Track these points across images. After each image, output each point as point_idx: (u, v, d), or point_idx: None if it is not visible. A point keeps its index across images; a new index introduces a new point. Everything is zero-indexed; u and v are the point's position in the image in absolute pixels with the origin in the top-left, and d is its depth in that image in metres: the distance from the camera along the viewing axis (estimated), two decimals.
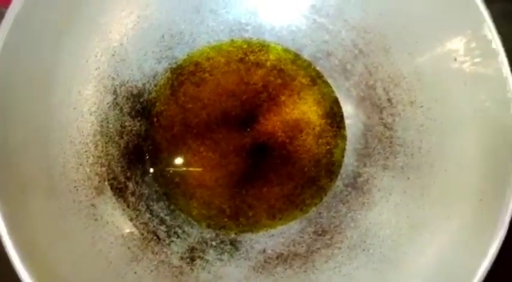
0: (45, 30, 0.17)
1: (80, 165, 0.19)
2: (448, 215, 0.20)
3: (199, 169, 0.23)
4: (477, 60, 0.19)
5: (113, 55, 0.20)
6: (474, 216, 0.19)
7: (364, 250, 0.21)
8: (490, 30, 0.18)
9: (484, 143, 0.19)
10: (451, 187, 0.20)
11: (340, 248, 0.21)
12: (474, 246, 0.18)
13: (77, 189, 0.19)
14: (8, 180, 0.16)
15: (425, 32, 0.20)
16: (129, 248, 0.19)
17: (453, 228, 0.19)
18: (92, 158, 0.20)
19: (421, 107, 0.22)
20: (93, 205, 0.19)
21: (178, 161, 0.23)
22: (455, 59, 0.20)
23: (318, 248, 0.21)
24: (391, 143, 0.23)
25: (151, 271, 0.20)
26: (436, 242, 0.19)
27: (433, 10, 0.20)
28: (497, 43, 0.18)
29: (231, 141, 0.23)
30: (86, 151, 0.19)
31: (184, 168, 0.22)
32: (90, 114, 0.20)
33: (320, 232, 0.22)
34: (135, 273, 0.19)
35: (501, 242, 0.17)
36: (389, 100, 0.23)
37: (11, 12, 0.16)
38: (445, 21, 0.19)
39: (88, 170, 0.19)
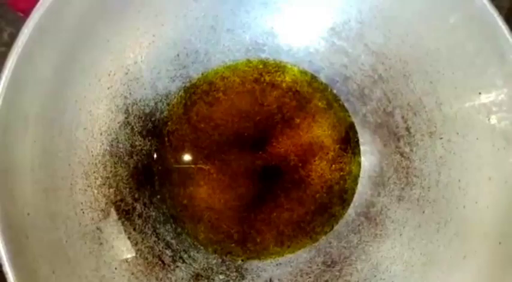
0: (58, 50, 0.17)
1: (88, 186, 0.19)
2: (464, 254, 0.19)
3: (209, 191, 0.22)
4: (502, 97, 0.18)
5: (126, 73, 0.20)
6: (492, 259, 0.18)
7: None
8: None
9: (505, 182, 0.18)
10: (469, 226, 0.19)
11: (349, 281, 0.20)
12: None
13: (83, 212, 0.18)
14: (11, 204, 0.16)
15: (449, 62, 0.20)
16: (133, 273, 0.19)
17: (469, 269, 0.18)
18: (100, 179, 0.19)
19: (441, 138, 0.21)
20: (98, 228, 0.19)
21: (188, 182, 0.22)
22: (480, 93, 0.19)
23: (326, 280, 0.21)
24: (407, 173, 0.22)
25: None
26: (449, 280, 0.19)
27: (458, 42, 0.19)
28: None
29: (242, 163, 0.23)
30: (94, 172, 0.19)
31: (193, 190, 0.22)
32: (101, 134, 0.19)
33: (329, 263, 0.21)
34: None
35: None
36: (407, 129, 0.22)
37: (26, 30, 0.16)
38: (471, 55, 0.18)
39: (96, 191, 0.19)
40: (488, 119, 0.19)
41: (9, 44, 0.16)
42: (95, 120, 0.19)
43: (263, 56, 0.23)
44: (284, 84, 0.23)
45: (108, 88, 0.19)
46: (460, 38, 0.19)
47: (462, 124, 0.20)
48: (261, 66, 0.23)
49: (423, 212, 0.21)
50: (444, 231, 0.20)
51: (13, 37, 0.16)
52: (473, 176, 0.20)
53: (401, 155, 0.22)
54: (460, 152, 0.20)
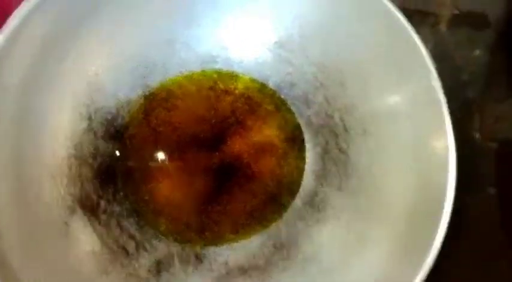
0: (22, 68, 0.18)
1: (54, 186, 0.20)
2: (388, 234, 0.22)
3: (169, 187, 0.24)
4: (421, 103, 0.22)
5: (88, 84, 0.22)
6: (410, 237, 0.21)
7: (316, 262, 0.23)
8: (435, 81, 0.20)
9: (422, 171, 0.22)
10: (393, 209, 0.22)
11: (295, 261, 0.23)
12: (409, 259, 0.20)
13: (50, 209, 0.20)
14: None
15: (374, 71, 0.23)
16: (99, 261, 0.21)
17: (392, 246, 0.22)
18: (66, 179, 0.21)
19: (371, 136, 0.24)
20: (66, 223, 0.20)
21: (149, 179, 0.24)
22: (399, 93, 0.23)
23: (276, 260, 0.23)
24: (345, 166, 0.25)
25: None
26: (378, 255, 0.22)
27: (380, 51, 0.22)
28: (439, 93, 0.20)
29: (200, 161, 0.25)
30: (60, 173, 0.21)
31: (154, 186, 0.24)
32: (65, 139, 0.21)
33: (278, 246, 0.24)
34: None
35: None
36: (344, 128, 0.25)
37: None
38: (394, 66, 0.22)
39: (62, 190, 0.21)
40: (409, 118, 0.22)
41: None
42: (60, 127, 0.21)
43: (217, 67, 0.25)
44: (237, 91, 0.26)
45: (71, 97, 0.21)
46: (382, 49, 0.22)
47: (387, 123, 0.23)
48: (215, 76, 0.26)
49: (358, 199, 0.24)
50: (373, 215, 0.23)
51: None
52: (397, 167, 0.23)
53: (340, 150, 0.25)
54: (386, 146, 0.24)
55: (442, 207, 0.20)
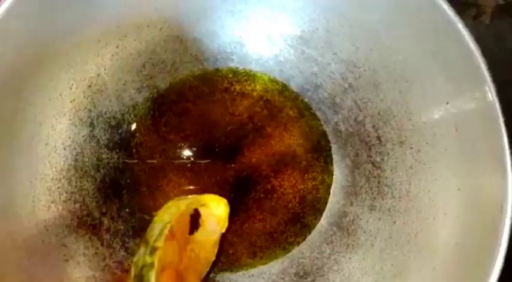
0: (13, 66, 0.16)
1: (52, 203, 0.18)
2: (434, 266, 0.19)
3: None
4: (470, 107, 0.18)
5: (90, 86, 0.19)
6: (461, 270, 0.18)
7: None
8: (492, 94, 0.17)
9: (473, 193, 0.18)
10: (439, 236, 0.19)
11: None
12: None
13: (46, 229, 0.18)
14: None
15: (417, 72, 0.20)
16: None
17: (439, 281, 0.18)
18: (65, 194, 0.19)
19: (411, 148, 0.21)
20: (63, 245, 0.18)
21: (158, 194, 0.22)
22: (447, 103, 0.19)
23: None
24: (379, 183, 0.22)
25: None
26: None
27: (427, 51, 0.19)
28: (496, 109, 0.17)
29: (214, 174, 0.23)
30: (58, 188, 0.19)
31: (163, 202, 0.22)
32: (64, 149, 0.19)
33: (302, 274, 0.21)
34: None
35: None
36: (378, 138, 0.22)
37: None
38: (439, 65, 0.18)
39: (60, 207, 0.19)
40: (456, 130, 0.19)
41: None
42: (58, 135, 0.19)
43: (232, 65, 0.22)
44: (255, 93, 0.23)
45: (71, 102, 0.19)
46: (427, 48, 0.19)
47: (431, 134, 0.20)
48: (230, 76, 0.23)
49: (394, 222, 0.21)
50: (414, 242, 0.20)
51: None
52: (443, 186, 0.20)
53: (373, 164, 0.22)
54: (429, 162, 0.20)
55: (498, 237, 0.17)
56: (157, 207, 0.22)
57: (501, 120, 0.17)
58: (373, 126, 0.22)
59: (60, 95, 0.19)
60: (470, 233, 0.18)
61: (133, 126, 0.22)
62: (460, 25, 0.17)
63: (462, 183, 0.19)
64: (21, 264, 0.17)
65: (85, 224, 0.19)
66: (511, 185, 0.16)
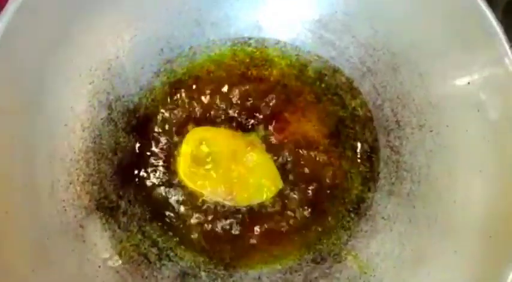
0: (33, 46, 0.16)
1: (70, 183, 0.18)
2: (455, 249, 0.19)
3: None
4: (492, 87, 0.18)
5: (109, 69, 0.19)
6: (483, 253, 0.18)
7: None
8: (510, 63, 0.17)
9: (496, 175, 0.18)
10: (460, 220, 0.19)
11: (338, 279, 0.20)
12: None
13: (65, 210, 0.18)
14: None
15: (437, 53, 0.19)
16: (117, 271, 0.18)
17: (460, 264, 0.18)
18: (83, 175, 0.19)
19: (431, 131, 0.20)
20: (81, 226, 0.18)
21: (176, 179, 0.22)
22: (468, 83, 0.19)
23: (316, 278, 0.20)
24: (397, 167, 0.22)
25: None
26: (440, 278, 0.18)
27: (446, 30, 0.19)
28: None
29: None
30: (76, 169, 0.19)
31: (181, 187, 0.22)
32: (83, 131, 0.19)
33: (319, 260, 0.21)
34: None
35: None
36: (397, 122, 0.22)
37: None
38: (459, 45, 0.18)
39: (78, 188, 0.18)
40: (478, 110, 0.19)
41: None
42: (77, 117, 0.19)
43: (249, 49, 0.22)
44: (272, 78, 0.23)
45: (90, 83, 0.19)
46: (445, 28, 0.19)
47: (451, 116, 0.20)
48: (247, 60, 0.23)
49: (414, 207, 0.20)
50: (435, 226, 0.19)
51: None
52: (464, 169, 0.19)
53: (392, 149, 0.22)
54: (449, 145, 0.20)
55: None
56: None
57: None
58: (392, 111, 0.22)
59: (80, 76, 0.19)
60: (492, 215, 0.18)
61: (151, 110, 0.22)
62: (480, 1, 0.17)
63: (484, 165, 0.18)
64: (40, 243, 0.17)
65: (102, 206, 0.19)
66: None
